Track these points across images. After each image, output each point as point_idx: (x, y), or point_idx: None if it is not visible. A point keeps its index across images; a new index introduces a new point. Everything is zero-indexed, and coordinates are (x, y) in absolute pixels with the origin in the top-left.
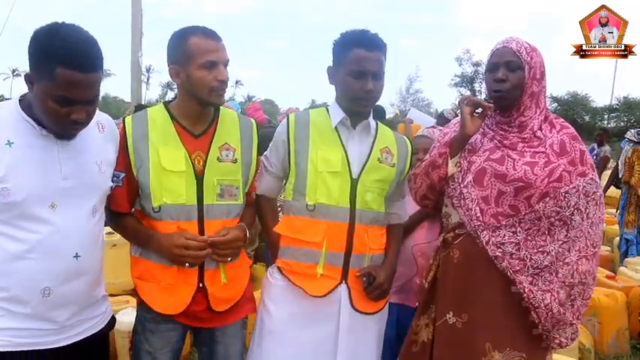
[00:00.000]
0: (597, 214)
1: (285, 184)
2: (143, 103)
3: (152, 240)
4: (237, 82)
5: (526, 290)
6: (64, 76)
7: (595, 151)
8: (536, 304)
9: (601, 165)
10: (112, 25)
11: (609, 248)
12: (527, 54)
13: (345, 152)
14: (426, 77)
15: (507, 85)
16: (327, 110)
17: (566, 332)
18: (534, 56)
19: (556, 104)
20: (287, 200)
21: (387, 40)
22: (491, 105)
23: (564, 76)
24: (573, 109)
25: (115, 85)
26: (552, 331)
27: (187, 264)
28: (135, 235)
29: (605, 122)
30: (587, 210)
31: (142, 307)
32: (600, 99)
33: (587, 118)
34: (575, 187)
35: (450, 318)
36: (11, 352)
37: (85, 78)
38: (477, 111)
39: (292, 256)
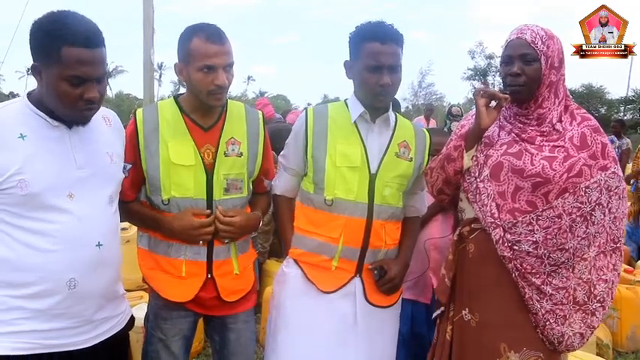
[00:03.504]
0: (620, 208)
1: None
2: (156, 100)
3: (161, 223)
4: (249, 78)
5: (526, 296)
6: (71, 54)
7: (617, 143)
8: (535, 311)
9: (623, 157)
10: (124, 22)
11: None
12: (543, 43)
13: (364, 147)
14: (438, 70)
15: (523, 79)
16: (346, 104)
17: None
18: (551, 44)
19: (571, 97)
20: (307, 192)
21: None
22: (506, 96)
23: (579, 68)
24: (588, 101)
25: (127, 82)
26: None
27: (201, 242)
28: (142, 219)
29: (622, 114)
30: (610, 205)
31: (154, 294)
32: (616, 91)
33: (602, 110)
34: (596, 181)
35: (465, 314)
36: (38, 354)
37: (91, 54)
38: (492, 103)
39: (307, 247)
